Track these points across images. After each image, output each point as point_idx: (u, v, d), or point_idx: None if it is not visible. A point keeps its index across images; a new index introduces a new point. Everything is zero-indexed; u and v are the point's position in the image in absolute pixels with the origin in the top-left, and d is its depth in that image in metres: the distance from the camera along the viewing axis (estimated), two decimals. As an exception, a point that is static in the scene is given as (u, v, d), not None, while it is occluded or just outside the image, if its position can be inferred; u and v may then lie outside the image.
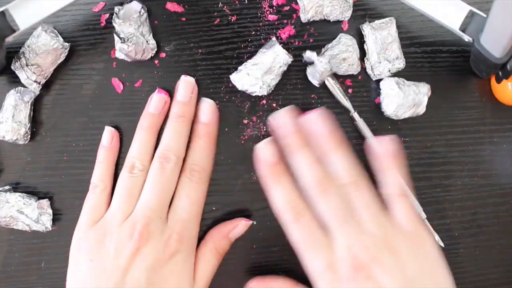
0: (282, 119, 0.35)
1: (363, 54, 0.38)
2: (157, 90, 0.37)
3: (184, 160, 0.36)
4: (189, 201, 0.35)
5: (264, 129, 0.38)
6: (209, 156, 0.36)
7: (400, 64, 0.38)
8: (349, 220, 0.32)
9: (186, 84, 0.37)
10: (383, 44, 0.37)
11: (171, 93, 0.37)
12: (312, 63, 0.37)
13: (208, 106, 0.37)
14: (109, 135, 0.37)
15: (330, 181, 0.33)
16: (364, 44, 0.38)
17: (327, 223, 0.32)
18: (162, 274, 0.33)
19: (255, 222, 0.37)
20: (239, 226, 0.36)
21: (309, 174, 0.33)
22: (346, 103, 0.37)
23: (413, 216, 0.33)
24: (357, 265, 0.30)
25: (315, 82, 0.38)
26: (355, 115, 0.38)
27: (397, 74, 0.38)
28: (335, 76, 0.38)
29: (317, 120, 0.34)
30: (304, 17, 0.38)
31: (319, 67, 0.36)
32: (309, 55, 0.36)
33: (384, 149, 0.35)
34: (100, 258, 0.33)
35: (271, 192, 0.34)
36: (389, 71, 0.38)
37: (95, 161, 0.36)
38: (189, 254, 0.35)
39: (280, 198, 0.33)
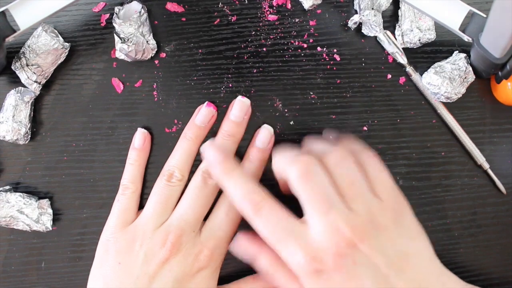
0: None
1: (395, 20, 0.39)
2: (206, 103, 0.37)
3: None
4: (227, 219, 0.35)
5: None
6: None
7: (431, 35, 0.38)
8: (330, 201, 0.29)
9: (241, 105, 0.37)
10: (418, 13, 0.38)
11: (172, 87, 0.37)
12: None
13: (268, 134, 0.37)
14: (141, 136, 0.37)
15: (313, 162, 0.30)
16: (399, 10, 0.39)
17: (304, 207, 0.30)
18: (187, 287, 0.33)
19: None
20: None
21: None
22: (402, 57, 0.38)
23: (390, 181, 0.31)
24: (341, 252, 0.28)
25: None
26: (410, 70, 0.38)
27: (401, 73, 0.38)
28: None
29: None
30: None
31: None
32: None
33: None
34: (129, 262, 0.33)
35: (226, 189, 0.32)
36: (419, 40, 0.38)
37: (126, 162, 0.37)
38: (215, 271, 0.35)
39: (235, 193, 0.31)
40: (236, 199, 0.31)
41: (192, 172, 0.36)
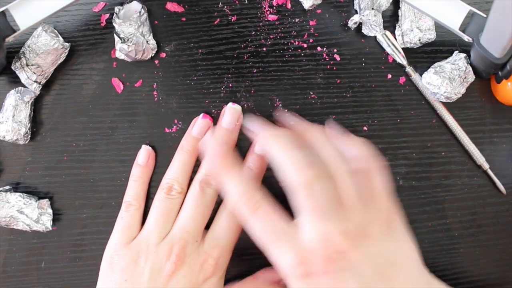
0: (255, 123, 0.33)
1: (395, 20, 0.39)
2: (202, 114, 0.37)
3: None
4: (229, 227, 0.35)
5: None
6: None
7: (431, 35, 0.38)
8: (328, 210, 0.29)
9: (233, 112, 0.37)
10: (418, 13, 0.38)
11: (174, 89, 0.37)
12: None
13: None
14: (145, 154, 0.37)
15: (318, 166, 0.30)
16: (399, 10, 0.39)
17: (300, 211, 0.30)
18: None
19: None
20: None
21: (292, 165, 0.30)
22: (401, 58, 0.38)
23: (387, 191, 0.32)
24: (331, 257, 0.28)
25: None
26: (410, 70, 0.38)
27: (399, 73, 0.38)
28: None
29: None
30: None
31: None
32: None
33: (336, 128, 0.34)
34: (135, 279, 0.33)
35: (224, 187, 0.31)
36: (419, 40, 0.38)
37: (129, 179, 0.37)
38: (220, 279, 0.35)
39: (233, 192, 0.31)
40: (233, 198, 0.31)
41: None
